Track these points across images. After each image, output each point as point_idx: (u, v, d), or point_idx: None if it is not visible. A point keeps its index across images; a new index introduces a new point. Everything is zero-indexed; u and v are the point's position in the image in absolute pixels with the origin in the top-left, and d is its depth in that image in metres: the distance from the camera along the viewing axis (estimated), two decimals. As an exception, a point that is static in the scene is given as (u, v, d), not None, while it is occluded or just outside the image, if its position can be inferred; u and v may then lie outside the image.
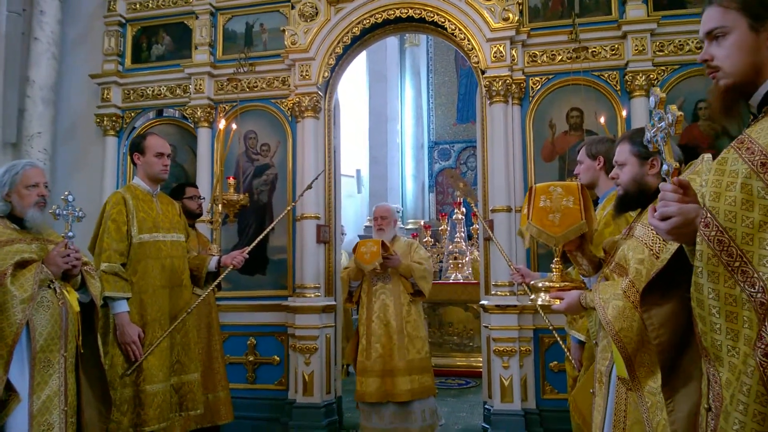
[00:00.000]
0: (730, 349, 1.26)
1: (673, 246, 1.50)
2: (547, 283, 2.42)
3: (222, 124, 4.81)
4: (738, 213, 1.26)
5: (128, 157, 3.75)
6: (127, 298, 3.34)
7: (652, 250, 2.01)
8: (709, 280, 1.29)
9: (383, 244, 4.42)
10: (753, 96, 1.45)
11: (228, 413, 4.21)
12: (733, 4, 1.45)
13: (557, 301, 2.35)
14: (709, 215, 1.30)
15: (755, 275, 1.21)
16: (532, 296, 2.50)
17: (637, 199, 2.28)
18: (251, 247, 3.88)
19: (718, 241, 1.27)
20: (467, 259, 9.07)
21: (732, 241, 1.25)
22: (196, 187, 4.68)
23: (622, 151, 2.32)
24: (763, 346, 1.17)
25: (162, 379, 3.41)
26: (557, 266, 2.44)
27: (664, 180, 1.42)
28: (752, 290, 1.21)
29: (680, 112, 1.44)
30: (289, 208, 4.42)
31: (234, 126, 5.18)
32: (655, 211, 1.42)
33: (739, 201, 1.26)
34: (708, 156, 1.72)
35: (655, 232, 1.98)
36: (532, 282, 2.73)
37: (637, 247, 2.07)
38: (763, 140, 1.28)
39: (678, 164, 1.40)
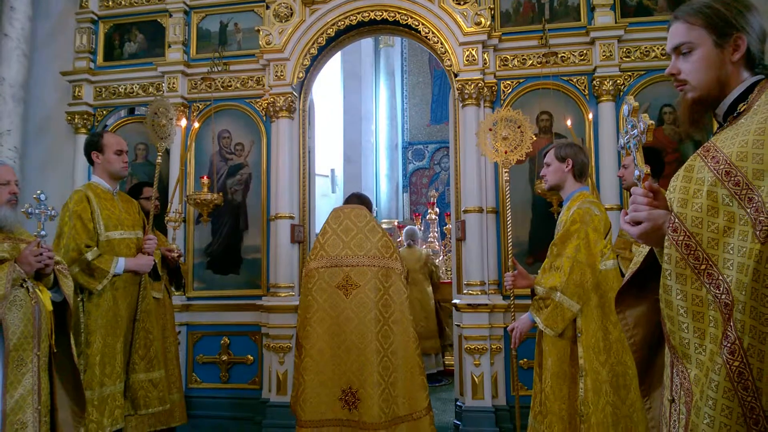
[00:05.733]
0: (697, 347, 1.33)
1: (645, 249, 1.56)
2: None
3: (183, 122, 4.76)
4: (704, 219, 1.33)
5: (86, 156, 3.72)
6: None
7: None
8: (677, 282, 1.35)
9: None
10: (719, 106, 1.53)
11: (182, 415, 4.18)
12: (698, 21, 1.52)
13: None
14: (677, 220, 1.36)
15: (720, 277, 1.28)
16: None
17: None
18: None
19: (685, 245, 1.34)
20: (441, 258, 9.17)
21: (699, 246, 1.32)
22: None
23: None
24: (729, 345, 1.23)
25: (124, 379, 3.48)
26: None
27: (636, 185, 1.49)
28: (717, 291, 1.28)
29: (651, 121, 1.51)
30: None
31: (196, 124, 5.19)
32: (627, 215, 1.49)
33: (705, 207, 1.33)
34: None
35: None
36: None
37: None
38: (727, 149, 1.35)
39: (648, 169, 1.48)
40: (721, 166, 1.33)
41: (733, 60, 1.51)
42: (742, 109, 1.45)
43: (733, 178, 1.30)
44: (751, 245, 1.23)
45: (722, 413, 1.24)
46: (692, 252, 1.33)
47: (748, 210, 1.26)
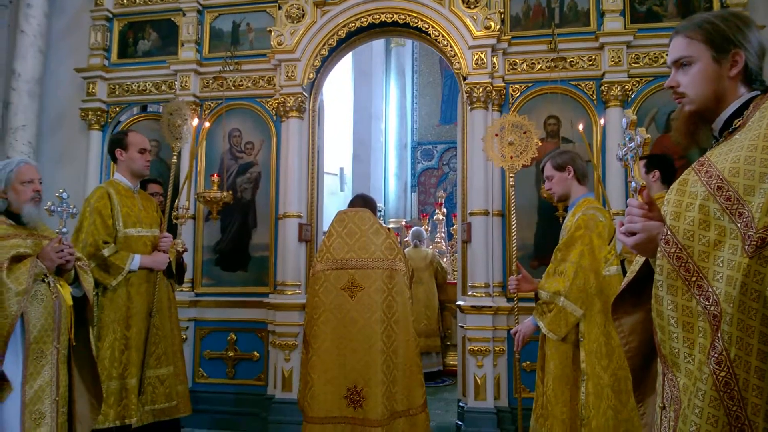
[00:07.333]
0: (686, 356, 1.36)
1: (642, 258, 1.60)
2: None
3: (195, 121, 4.82)
4: (696, 232, 1.36)
5: (109, 154, 3.83)
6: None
7: None
8: (668, 293, 1.38)
9: None
10: (715, 121, 1.57)
11: (186, 407, 4.10)
12: (698, 36, 1.57)
13: None
14: (669, 233, 1.40)
15: (710, 289, 1.31)
16: None
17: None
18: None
19: (677, 257, 1.37)
20: (447, 259, 9.20)
21: (690, 258, 1.35)
22: (159, 183, 4.75)
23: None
24: (716, 355, 1.27)
25: (135, 374, 3.53)
26: None
27: (632, 196, 1.53)
28: (707, 303, 1.31)
29: (648, 135, 1.56)
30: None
31: (207, 124, 5.25)
32: (622, 225, 1.53)
33: (697, 221, 1.36)
34: None
35: None
36: None
37: None
38: (720, 165, 1.38)
39: (644, 182, 1.52)
40: (714, 181, 1.37)
41: (730, 75, 1.54)
42: (737, 125, 1.48)
43: (724, 193, 1.33)
44: (740, 259, 1.26)
45: (708, 422, 1.27)
46: (683, 264, 1.36)
47: (739, 224, 1.29)
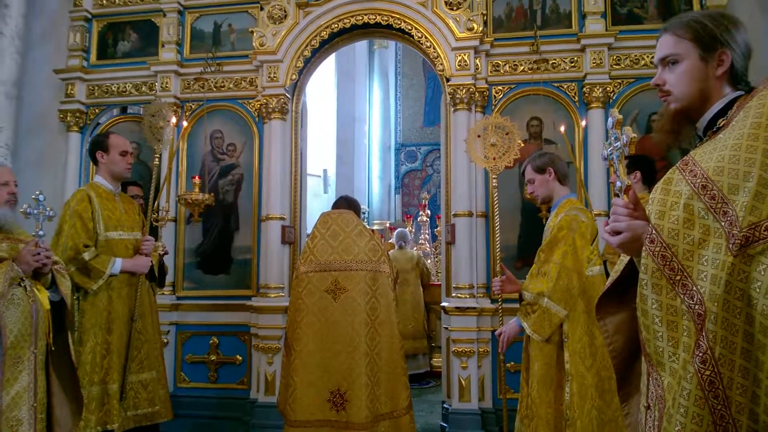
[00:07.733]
0: (671, 355, 1.35)
1: (626, 258, 1.60)
2: None
3: (173, 120, 4.77)
4: (680, 231, 1.36)
5: (90, 156, 3.77)
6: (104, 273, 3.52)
7: None
8: (652, 292, 1.38)
9: None
10: (699, 120, 1.58)
11: (167, 412, 4.01)
12: (686, 34, 1.57)
13: None
14: (654, 232, 1.39)
15: (694, 288, 1.31)
16: None
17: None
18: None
19: (661, 256, 1.37)
20: (431, 260, 9.20)
21: (674, 257, 1.35)
22: (140, 185, 4.69)
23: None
24: (700, 354, 1.26)
25: (117, 379, 3.48)
26: None
27: (617, 195, 1.53)
28: (691, 302, 1.31)
29: (634, 134, 1.56)
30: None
31: (184, 123, 5.20)
32: (607, 225, 1.52)
33: (682, 220, 1.36)
34: None
35: None
36: None
37: None
38: (705, 164, 1.38)
39: (630, 182, 1.52)
40: (698, 180, 1.37)
41: (716, 75, 1.55)
42: (721, 124, 1.48)
43: (709, 192, 1.33)
44: (725, 258, 1.26)
45: (693, 420, 1.27)
46: (668, 263, 1.35)
47: (723, 223, 1.29)
